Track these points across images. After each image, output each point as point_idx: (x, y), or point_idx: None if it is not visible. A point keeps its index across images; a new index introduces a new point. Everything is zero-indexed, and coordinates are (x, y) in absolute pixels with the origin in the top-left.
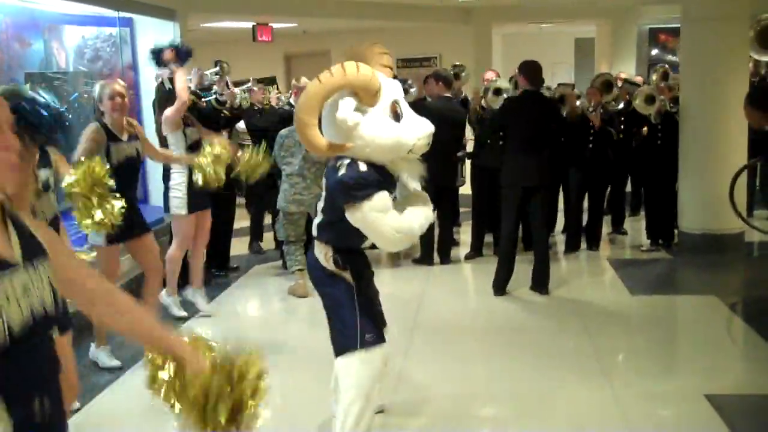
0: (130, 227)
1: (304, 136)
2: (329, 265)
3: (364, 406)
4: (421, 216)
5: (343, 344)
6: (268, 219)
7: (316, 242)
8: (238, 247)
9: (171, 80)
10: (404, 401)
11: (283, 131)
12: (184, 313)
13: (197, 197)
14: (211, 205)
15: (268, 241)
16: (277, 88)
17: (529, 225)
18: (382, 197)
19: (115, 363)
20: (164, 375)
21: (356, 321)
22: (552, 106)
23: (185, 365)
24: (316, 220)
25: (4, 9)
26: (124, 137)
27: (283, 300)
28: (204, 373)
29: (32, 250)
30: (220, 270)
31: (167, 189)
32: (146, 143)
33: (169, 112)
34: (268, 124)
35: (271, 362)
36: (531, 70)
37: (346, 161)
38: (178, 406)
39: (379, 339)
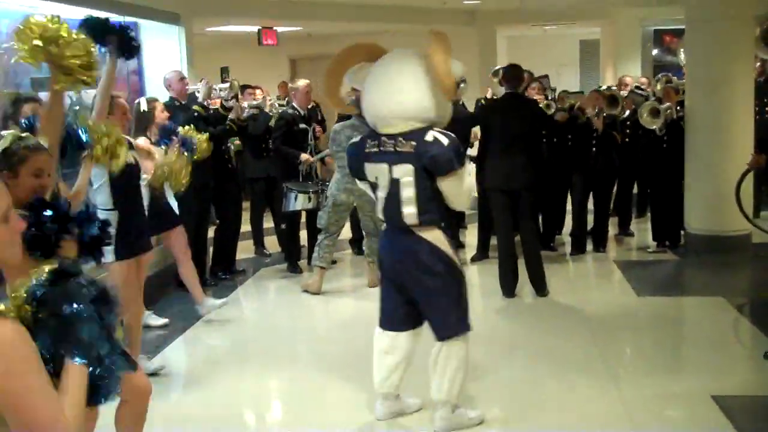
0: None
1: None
2: (446, 248)
3: (464, 378)
4: None
5: (451, 330)
6: (268, 223)
7: (418, 230)
8: (244, 250)
9: (148, 103)
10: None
11: (336, 126)
12: (164, 321)
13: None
14: (165, 227)
15: (272, 245)
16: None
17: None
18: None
19: (164, 320)
20: None
21: (465, 306)
22: (534, 107)
23: None
24: (408, 210)
25: (9, 14)
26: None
27: (291, 302)
28: None
29: None
30: (226, 273)
31: None
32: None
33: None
34: (260, 131)
35: (282, 364)
36: (508, 73)
37: (431, 132)
38: None
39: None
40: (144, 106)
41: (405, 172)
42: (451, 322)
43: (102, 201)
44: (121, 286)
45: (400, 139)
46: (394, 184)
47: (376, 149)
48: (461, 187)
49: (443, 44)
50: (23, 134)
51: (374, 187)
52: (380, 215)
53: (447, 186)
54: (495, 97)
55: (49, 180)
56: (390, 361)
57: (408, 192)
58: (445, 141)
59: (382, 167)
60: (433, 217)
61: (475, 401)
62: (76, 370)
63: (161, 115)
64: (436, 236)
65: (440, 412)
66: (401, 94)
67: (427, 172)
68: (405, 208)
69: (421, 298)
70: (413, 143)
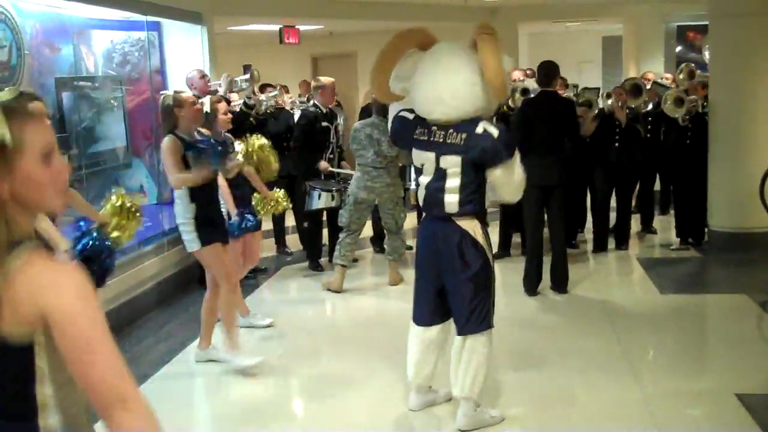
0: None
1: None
2: (483, 240)
3: (486, 376)
4: None
5: (474, 326)
6: (289, 221)
7: (456, 219)
8: (266, 248)
9: (174, 99)
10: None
11: (357, 124)
12: (268, 320)
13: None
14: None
15: (293, 244)
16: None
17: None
18: None
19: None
20: None
21: (492, 300)
22: (568, 105)
23: None
24: (450, 198)
25: (34, 15)
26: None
27: (312, 300)
28: None
29: None
30: (249, 272)
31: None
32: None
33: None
34: (281, 129)
35: (304, 362)
36: (542, 71)
37: (482, 124)
38: None
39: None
40: (207, 107)
41: (452, 163)
42: (475, 317)
43: (180, 194)
44: (213, 265)
45: (451, 130)
46: (440, 173)
47: (425, 137)
48: (512, 177)
49: (494, 43)
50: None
51: (418, 171)
52: (420, 201)
53: (497, 177)
54: (531, 96)
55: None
56: (424, 354)
57: (453, 182)
58: (495, 133)
59: (430, 156)
60: (474, 208)
61: (497, 399)
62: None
63: (224, 117)
64: (474, 226)
65: (463, 409)
66: (453, 88)
67: (474, 164)
68: (447, 196)
69: (452, 288)
70: (464, 135)
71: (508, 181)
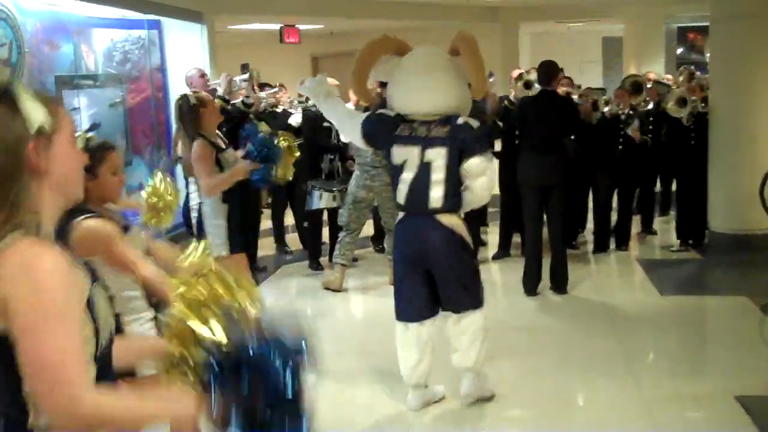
0: None
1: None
2: (463, 231)
3: (486, 347)
4: None
5: (471, 303)
6: (289, 220)
7: (440, 216)
8: (266, 247)
9: (198, 99)
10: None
11: None
12: None
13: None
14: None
15: (293, 243)
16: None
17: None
18: None
19: None
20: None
21: (480, 282)
22: (569, 105)
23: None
24: (435, 193)
25: (35, 13)
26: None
27: (312, 299)
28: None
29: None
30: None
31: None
32: None
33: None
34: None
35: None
36: (543, 70)
37: (461, 117)
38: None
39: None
40: (193, 100)
41: (437, 155)
42: (471, 296)
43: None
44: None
45: (434, 124)
46: (425, 167)
47: (407, 132)
48: (485, 172)
49: (474, 46)
50: (89, 134)
51: (397, 170)
52: (401, 200)
53: (473, 167)
54: (530, 94)
55: (123, 176)
56: (421, 352)
57: (438, 175)
58: (475, 124)
59: (413, 150)
60: (455, 203)
61: (497, 399)
62: (186, 396)
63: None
64: (453, 221)
65: (468, 379)
66: (433, 88)
67: (457, 156)
68: (433, 191)
69: (442, 278)
70: (446, 128)
71: (480, 172)
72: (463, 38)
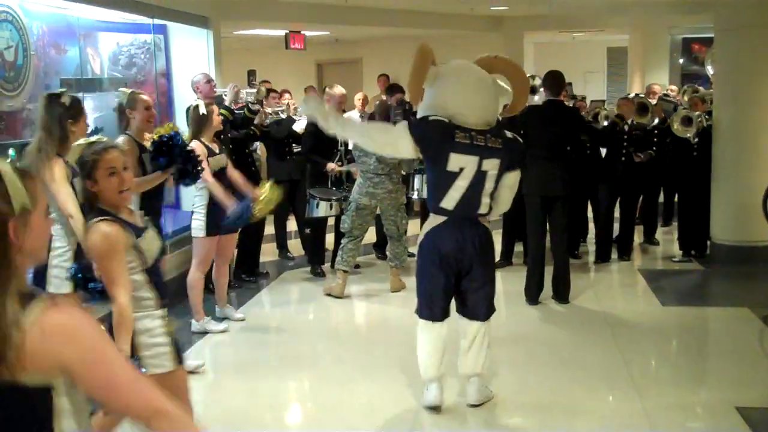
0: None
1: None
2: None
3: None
4: None
5: (490, 309)
6: (291, 226)
7: (482, 220)
8: (268, 252)
9: (206, 106)
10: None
11: None
12: (224, 326)
13: (218, 220)
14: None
15: (295, 249)
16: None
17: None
18: None
19: (224, 326)
20: None
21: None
22: (573, 114)
23: None
24: (486, 200)
25: (41, 16)
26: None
27: (314, 305)
28: None
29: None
30: (249, 275)
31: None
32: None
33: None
34: (283, 134)
35: (304, 367)
36: (550, 80)
37: (504, 131)
38: None
39: None
40: (203, 110)
41: (493, 166)
42: (489, 303)
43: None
44: (202, 257)
45: (489, 135)
46: (481, 176)
47: (468, 141)
48: (517, 184)
49: (522, 73)
50: (92, 139)
51: (450, 176)
52: (450, 205)
53: (512, 179)
54: (535, 99)
55: (127, 174)
56: (441, 350)
57: (490, 184)
58: (520, 140)
59: (473, 159)
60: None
61: (498, 408)
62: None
63: (217, 119)
64: (487, 224)
65: (476, 385)
66: (486, 102)
67: (506, 168)
68: (484, 198)
69: (476, 283)
70: (499, 140)
71: (515, 185)
72: (509, 63)
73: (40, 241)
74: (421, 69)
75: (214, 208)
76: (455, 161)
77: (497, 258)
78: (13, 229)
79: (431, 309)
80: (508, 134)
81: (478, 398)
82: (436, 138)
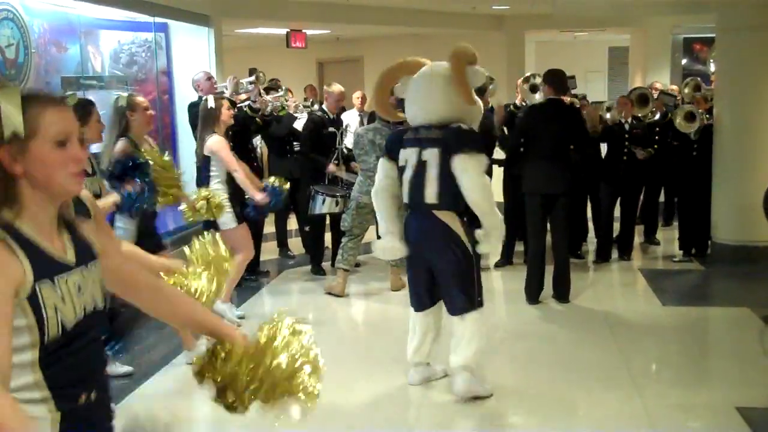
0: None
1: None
2: (460, 230)
3: (481, 346)
4: None
5: (465, 305)
6: (292, 224)
7: (438, 212)
8: (269, 251)
9: (215, 101)
10: (431, 407)
11: (360, 130)
12: (238, 317)
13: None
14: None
15: (296, 247)
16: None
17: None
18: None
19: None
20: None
21: (476, 284)
22: (574, 113)
23: (227, 345)
24: (430, 190)
25: (42, 14)
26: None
27: (314, 303)
28: (243, 350)
29: (85, 253)
30: (250, 274)
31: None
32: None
33: (226, 157)
34: (283, 132)
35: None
36: (553, 78)
37: (458, 124)
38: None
39: (482, 303)
40: (211, 103)
41: (431, 155)
42: (463, 299)
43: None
44: (241, 245)
45: (433, 129)
46: (421, 166)
47: (412, 136)
48: (468, 169)
49: (459, 59)
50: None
51: (401, 170)
52: (405, 197)
53: (454, 162)
54: (537, 102)
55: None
56: (423, 336)
57: (431, 173)
58: (464, 127)
59: (414, 150)
60: (452, 201)
61: (498, 406)
62: None
63: (227, 113)
64: (450, 218)
65: (461, 376)
66: (431, 101)
67: (447, 154)
68: (428, 188)
69: (439, 275)
70: (442, 131)
71: (463, 170)
72: (451, 54)
73: (53, 174)
74: (381, 84)
75: (235, 199)
76: (402, 156)
77: (497, 258)
78: (3, 154)
79: (412, 298)
80: (455, 125)
81: (462, 390)
82: (395, 143)
